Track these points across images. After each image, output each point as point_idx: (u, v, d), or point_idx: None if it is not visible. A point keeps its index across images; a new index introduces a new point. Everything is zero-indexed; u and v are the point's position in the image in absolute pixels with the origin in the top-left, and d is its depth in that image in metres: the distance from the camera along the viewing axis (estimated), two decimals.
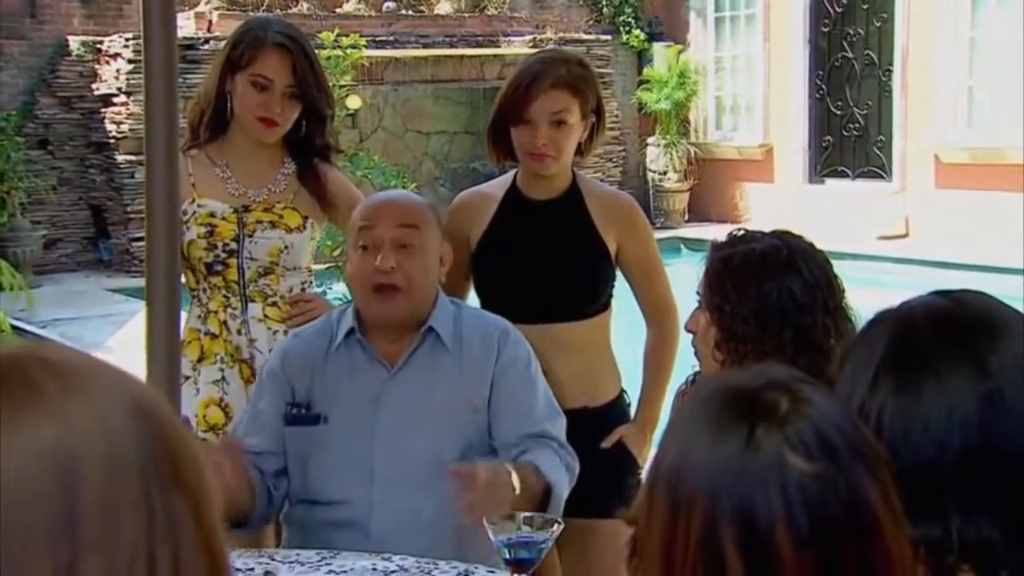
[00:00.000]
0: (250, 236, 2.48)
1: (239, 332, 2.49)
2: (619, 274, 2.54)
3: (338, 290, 4.91)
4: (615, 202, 2.55)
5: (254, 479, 2.09)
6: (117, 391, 0.71)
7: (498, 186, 2.55)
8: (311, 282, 2.61)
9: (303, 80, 2.48)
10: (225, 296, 2.50)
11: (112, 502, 0.67)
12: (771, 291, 1.83)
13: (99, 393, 0.70)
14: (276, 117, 2.47)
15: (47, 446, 0.67)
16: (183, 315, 2.25)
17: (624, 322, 2.65)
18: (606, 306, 2.52)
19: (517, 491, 1.93)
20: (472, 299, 2.58)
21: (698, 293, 1.94)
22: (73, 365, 0.72)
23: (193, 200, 2.47)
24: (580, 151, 2.49)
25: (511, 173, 2.54)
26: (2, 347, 0.73)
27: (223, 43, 2.62)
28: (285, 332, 2.48)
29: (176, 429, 0.73)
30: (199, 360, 2.48)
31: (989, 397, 1.04)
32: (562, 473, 2.09)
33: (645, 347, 2.59)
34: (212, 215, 2.48)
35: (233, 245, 2.48)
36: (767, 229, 1.97)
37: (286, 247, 2.50)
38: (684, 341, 2.10)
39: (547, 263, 2.45)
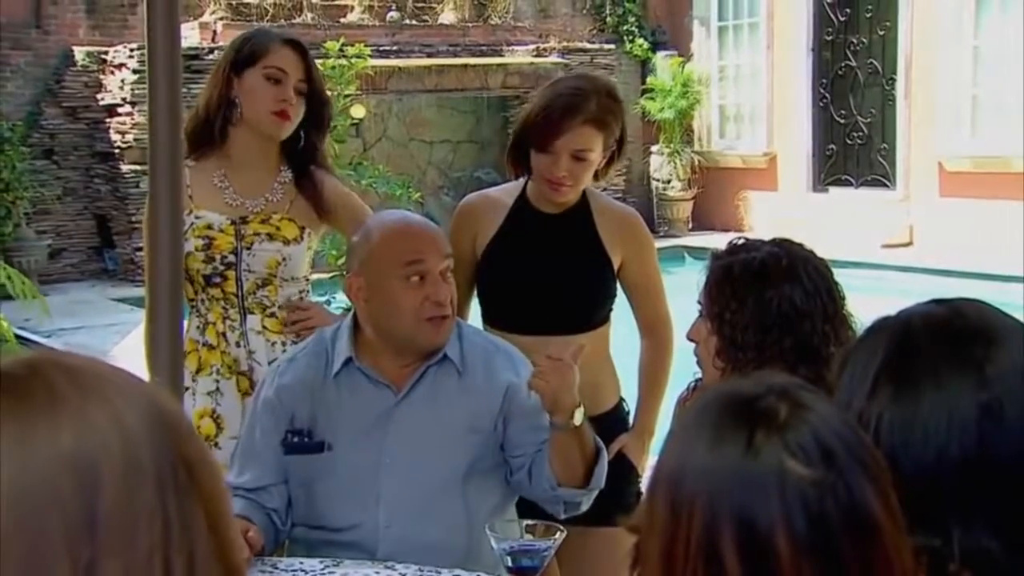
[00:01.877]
0: (248, 248, 2.47)
1: (237, 344, 2.48)
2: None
3: (341, 299, 4.91)
4: (622, 218, 2.56)
5: (257, 519, 2.05)
6: (134, 396, 0.72)
7: (507, 193, 2.55)
8: (308, 291, 2.61)
9: (313, 77, 2.51)
10: (224, 308, 2.49)
11: (129, 507, 0.68)
12: (771, 299, 1.83)
13: (117, 398, 0.71)
14: (291, 109, 2.47)
15: (66, 450, 0.68)
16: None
17: (625, 332, 2.65)
18: (606, 318, 2.53)
19: (577, 420, 1.99)
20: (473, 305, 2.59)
21: (699, 302, 1.94)
22: (91, 370, 0.73)
23: (191, 211, 2.45)
24: (596, 175, 2.49)
25: (521, 181, 2.54)
26: (20, 353, 0.74)
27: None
28: (283, 343, 2.48)
29: (192, 435, 0.74)
30: (197, 371, 2.47)
31: (988, 407, 1.04)
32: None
33: (640, 358, 2.61)
34: (210, 227, 2.47)
35: (231, 258, 2.47)
36: (769, 237, 1.97)
37: (284, 259, 2.49)
38: (684, 351, 2.11)
39: (552, 275, 2.45)
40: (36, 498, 0.66)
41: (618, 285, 2.53)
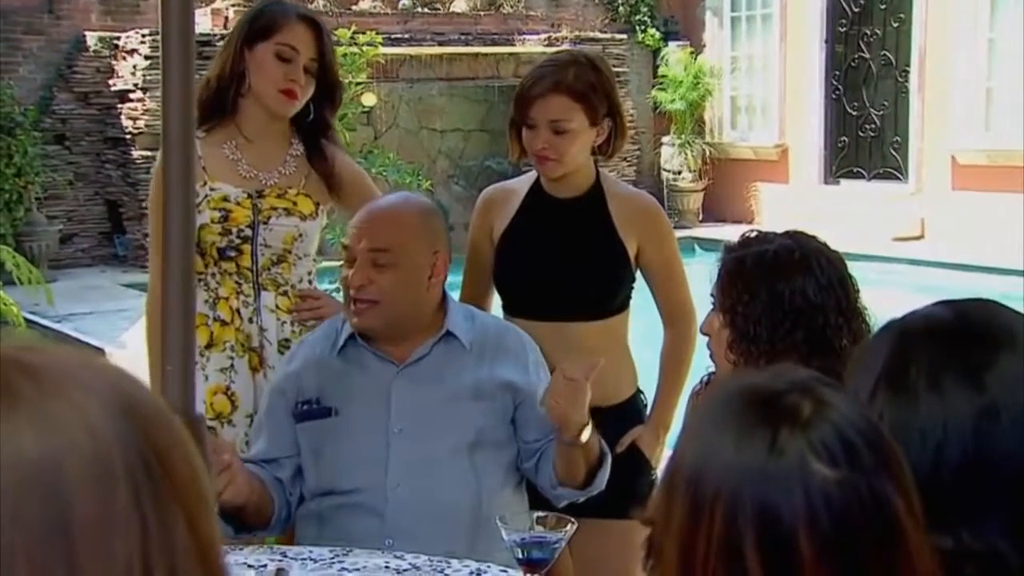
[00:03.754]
0: (265, 223, 2.45)
1: (251, 320, 2.46)
2: (639, 275, 2.53)
3: None
4: (637, 203, 2.53)
5: (267, 480, 2.13)
6: (101, 391, 0.67)
7: (523, 182, 2.55)
8: (315, 272, 2.61)
9: (325, 56, 2.47)
10: (237, 282, 2.46)
11: (104, 513, 0.63)
12: (783, 292, 1.83)
13: (81, 395, 0.66)
14: (299, 89, 2.44)
15: (30, 458, 0.63)
16: None
17: (646, 323, 2.64)
18: (623, 307, 2.51)
19: (584, 437, 2.03)
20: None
21: (712, 295, 1.93)
22: (52, 366, 0.67)
23: (205, 183, 2.41)
24: (600, 151, 2.47)
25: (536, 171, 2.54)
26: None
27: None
28: (293, 324, 2.48)
29: (167, 427, 0.69)
30: (207, 346, 2.45)
31: (985, 412, 1.04)
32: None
33: (662, 349, 2.58)
34: (226, 199, 2.44)
35: (248, 231, 2.45)
36: (782, 230, 1.96)
37: (300, 235, 2.48)
38: (701, 343, 2.11)
39: (565, 262, 2.45)
40: (1, 516, 0.61)
41: (636, 273, 2.51)
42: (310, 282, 2.57)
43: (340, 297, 2.71)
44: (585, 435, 2.03)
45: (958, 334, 1.09)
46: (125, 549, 0.63)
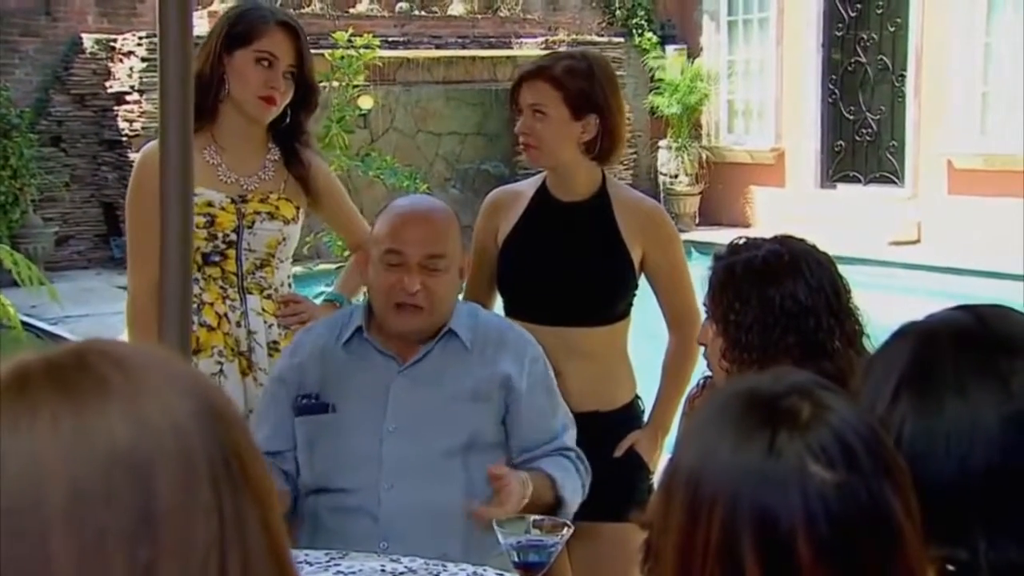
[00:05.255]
0: (249, 227, 2.47)
1: (238, 324, 2.47)
2: (643, 281, 2.53)
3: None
4: (643, 209, 2.52)
5: (277, 477, 2.14)
6: (185, 387, 0.70)
7: (530, 185, 2.56)
8: (291, 276, 2.61)
9: (304, 63, 2.48)
10: (222, 287, 2.47)
11: (187, 504, 0.66)
12: (774, 297, 1.82)
13: (168, 390, 0.69)
14: (278, 95, 2.45)
15: (120, 447, 0.66)
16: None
17: (648, 327, 2.63)
18: (625, 314, 2.50)
19: (526, 501, 1.99)
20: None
21: (704, 304, 1.94)
22: (140, 360, 0.71)
23: None
24: (588, 151, 2.43)
25: (543, 173, 2.54)
26: (68, 343, 0.72)
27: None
28: (279, 326, 2.49)
29: (241, 426, 0.72)
30: (193, 352, 2.41)
31: (1013, 419, 1.03)
32: (577, 487, 2.16)
33: (666, 352, 2.57)
34: (210, 204, 2.45)
35: (233, 236, 2.46)
36: (772, 235, 1.96)
37: (284, 239, 2.50)
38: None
39: (568, 266, 2.44)
40: (91, 498, 0.64)
41: (641, 279, 2.50)
42: (289, 286, 2.58)
43: (319, 302, 2.72)
44: (527, 497, 2.00)
45: (983, 340, 1.08)
46: (204, 540, 0.66)
